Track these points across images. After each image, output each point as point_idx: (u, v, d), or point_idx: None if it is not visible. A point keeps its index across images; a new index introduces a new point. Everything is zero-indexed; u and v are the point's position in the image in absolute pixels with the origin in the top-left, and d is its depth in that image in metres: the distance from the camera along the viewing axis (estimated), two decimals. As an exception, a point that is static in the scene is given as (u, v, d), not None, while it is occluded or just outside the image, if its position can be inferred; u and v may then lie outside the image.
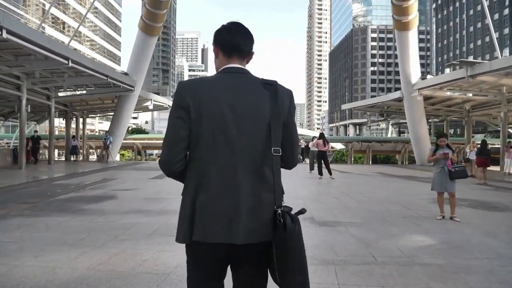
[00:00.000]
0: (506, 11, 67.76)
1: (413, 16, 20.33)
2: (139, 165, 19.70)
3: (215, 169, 1.49)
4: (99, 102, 23.62)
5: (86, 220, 5.84)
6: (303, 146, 24.66)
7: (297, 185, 10.98)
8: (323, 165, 13.27)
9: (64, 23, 60.30)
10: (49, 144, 19.43)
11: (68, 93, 21.94)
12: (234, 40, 1.61)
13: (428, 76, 22.77)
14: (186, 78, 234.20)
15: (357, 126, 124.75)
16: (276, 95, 1.54)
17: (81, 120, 27.41)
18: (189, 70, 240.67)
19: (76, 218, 5.99)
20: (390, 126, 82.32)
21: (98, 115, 30.85)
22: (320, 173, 13.16)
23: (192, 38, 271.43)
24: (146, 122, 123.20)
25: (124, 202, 7.67)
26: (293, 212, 1.52)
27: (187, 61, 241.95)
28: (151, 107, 24.11)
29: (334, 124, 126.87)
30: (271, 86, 1.55)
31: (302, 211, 1.54)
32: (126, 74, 20.29)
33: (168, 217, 6.10)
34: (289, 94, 1.61)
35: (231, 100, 1.49)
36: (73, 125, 24.90)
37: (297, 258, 1.46)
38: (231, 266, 1.61)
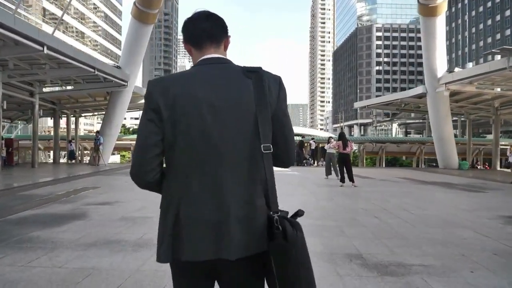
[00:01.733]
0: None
1: (442, -1, 18.06)
2: (133, 169, 17.67)
3: (196, 176, 1.28)
4: (90, 100, 21.56)
5: (18, 263, 3.80)
6: (313, 147, 22.62)
7: (318, 196, 8.90)
8: (344, 170, 11.19)
9: (64, 22, 58.53)
10: (33, 145, 17.41)
11: (57, 89, 19.87)
12: (198, 27, 1.39)
13: (456, 69, 20.60)
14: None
15: (362, 127, 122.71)
16: (261, 83, 1.31)
17: (73, 119, 25.48)
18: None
19: (7, 258, 3.95)
20: (396, 127, 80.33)
21: (91, 114, 28.73)
22: (342, 179, 11.09)
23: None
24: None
25: (91, 225, 5.62)
26: (289, 215, 1.31)
27: (189, 61, 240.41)
28: (147, 104, 22.02)
29: (338, 125, 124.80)
30: (255, 74, 1.32)
31: (300, 213, 1.32)
32: (118, 67, 18.26)
33: (147, 254, 4.08)
34: (276, 80, 1.37)
35: (209, 95, 1.28)
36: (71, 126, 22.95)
37: (302, 271, 1.23)
38: (219, 282, 1.38)
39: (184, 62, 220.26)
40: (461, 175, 16.66)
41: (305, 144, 22.30)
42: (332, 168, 13.54)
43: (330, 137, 14.42)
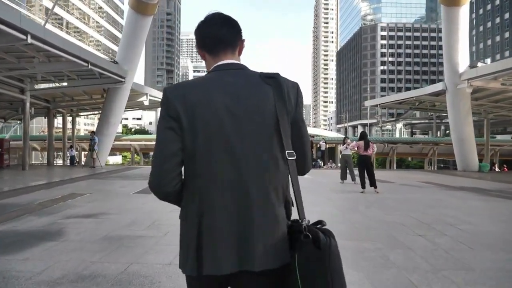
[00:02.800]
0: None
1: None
2: (131, 172, 16.43)
3: (217, 185, 1.24)
4: (87, 98, 20.33)
5: None
6: (323, 148, 21.36)
7: (339, 206, 7.63)
8: (365, 175, 9.94)
9: (69, 23, 57.67)
10: (24, 146, 16.22)
11: (51, 85, 18.65)
12: (213, 35, 1.36)
13: (479, 64, 19.23)
14: (191, 78, 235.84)
15: (366, 127, 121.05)
16: (280, 90, 1.29)
17: (70, 119, 24.31)
18: (194, 71, 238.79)
19: None
20: (401, 127, 78.79)
21: (89, 113, 27.49)
22: (363, 185, 9.83)
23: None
24: (150, 123, 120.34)
25: (64, 249, 4.39)
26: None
27: (192, 61, 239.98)
28: (146, 103, 20.72)
29: (342, 125, 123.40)
30: (274, 80, 1.30)
31: (323, 224, 1.25)
32: (115, 62, 17.05)
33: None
34: (295, 86, 1.35)
35: (229, 102, 1.25)
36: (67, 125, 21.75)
37: (336, 281, 1.14)
38: None
39: (186, 62, 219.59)
40: (483, 178, 15.36)
41: (314, 145, 21.04)
42: (348, 172, 12.30)
43: (345, 137, 13.15)
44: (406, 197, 9.21)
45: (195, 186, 1.27)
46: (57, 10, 54.25)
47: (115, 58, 18.62)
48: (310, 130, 59.39)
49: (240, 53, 1.41)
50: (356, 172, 12.47)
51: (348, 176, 12.29)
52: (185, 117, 1.24)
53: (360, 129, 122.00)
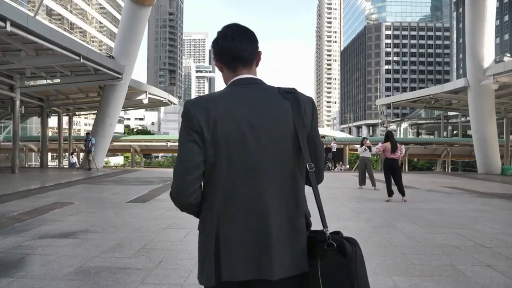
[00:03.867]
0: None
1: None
2: (128, 175, 15.22)
3: (236, 196, 1.28)
4: (82, 96, 19.16)
5: None
6: (335, 150, 20.11)
7: (367, 219, 6.38)
8: (391, 181, 8.70)
9: (72, 23, 56.72)
10: (13, 147, 15.06)
11: (43, 82, 17.49)
12: (232, 49, 1.37)
13: (505, 58, 17.86)
14: (193, 79, 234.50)
15: (371, 127, 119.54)
16: (298, 105, 1.34)
17: (66, 119, 23.16)
18: (197, 71, 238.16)
19: None
20: (407, 127, 77.30)
21: (87, 112, 26.29)
22: (390, 193, 8.58)
23: (199, 39, 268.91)
24: (153, 123, 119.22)
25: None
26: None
27: (194, 62, 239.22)
28: (146, 101, 19.52)
29: (346, 125, 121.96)
30: (291, 95, 1.35)
31: (340, 233, 1.28)
32: (111, 57, 15.86)
33: None
34: (310, 102, 1.40)
35: (250, 116, 1.29)
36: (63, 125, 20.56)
37: None
38: None
39: (189, 62, 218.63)
40: (510, 182, 14.09)
41: (325, 146, 19.78)
42: (367, 176, 11.07)
43: (364, 138, 11.92)
44: (441, 208, 7.96)
45: (214, 197, 1.29)
46: (58, 9, 53.38)
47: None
48: (321, 131, 57.74)
49: (257, 65, 1.44)
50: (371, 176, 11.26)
51: (368, 181, 11.06)
52: (207, 130, 1.27)
53: (364, 130, 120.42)
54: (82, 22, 61.78)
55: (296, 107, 1.32)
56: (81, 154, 28.65)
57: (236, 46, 1.36)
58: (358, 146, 32.68)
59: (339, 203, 8.19)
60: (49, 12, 51.97)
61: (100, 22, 69.48)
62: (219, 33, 1.40)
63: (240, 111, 1.28)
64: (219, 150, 1.26)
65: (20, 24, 8.93)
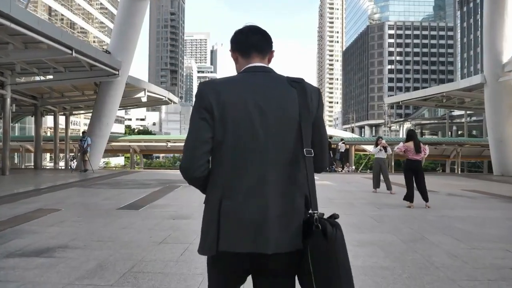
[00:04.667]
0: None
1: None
2: (124, 177, 14.36)
3: (241, 174, 1.37)
4: (78, 94, 18.30)
5: None
6: (343, 150, 19.23)
7: (395, 230, 5.49)
8: (413, 185, 7.82)
9: (71, 22, 56.03)
10: (4, 148, 14.24)
11: (37, 79, 16.64)
12: (248, 39, 1.52)
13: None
14: (195, 79, 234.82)
15: (373, 127, 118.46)
16: (305, 93, 1.42)
17: (62, 118, 22.35)
18: (198, 72, 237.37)
19: None
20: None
21: (85, 111, 25.41)
22: (410, 197, 7.71)
23: (201, 40, 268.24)
24: (154, 124, 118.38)
25: None
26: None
27: (196, 62, 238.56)
28: (144, 99, 18.65)
29: (348, 126, 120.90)
30: (299, 84, 1.44)
31: (336, 216, 1.34)
32: (107, 52, 15.02)
33: None
34: (317, 91, 1.48)
35: (257, 100, 1.38)
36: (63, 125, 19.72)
37: (342, 271, 1.25)
38: (253, 276, 1.44)
39: (190, 62, 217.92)
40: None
41: (332, 146, 18.89)
42: (382, 178, 10.20)
43: (379, 137, 11.02)
44: (470, 215, 7.08)
45: (220, 172, 1.38)
46: (58, 9, 52.80)
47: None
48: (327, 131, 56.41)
49: (269, 62, 1.55)
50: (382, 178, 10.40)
51: (382, 183, 10.19)
52: (217, 109, 1.35)
53: (367, 130, 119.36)
54: (84, 22, 61.15)
55: (303, 95, 1.40)
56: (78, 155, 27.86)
57: (252, 36, 1.51)
58: (365, 146, 31.80)
59: (357, 210, 7.31)
60: (50, 12, 51.43)
61: (102, 22, 68.81)
62: (237, 30, 1.53)
63: (249, 96, 1.37)
64: (226, 130, 1.35)
65: (2, 11, 8.09)
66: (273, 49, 1.55)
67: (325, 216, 1.32)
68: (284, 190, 1.35)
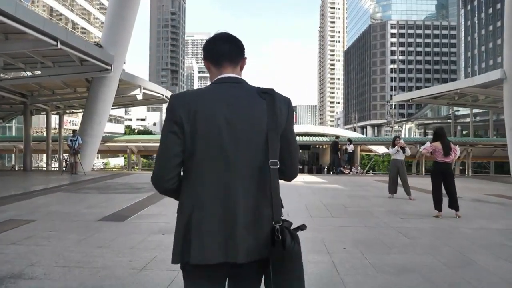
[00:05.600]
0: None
1: None
2: (116, 181, 13.35)
3: (209, 184, 1.40)
4: (70, 91, 17.28)
5: None
6: (351, 151, 18.21)
7: (431, 249, 4.47)
8: (442, 191, 6.80)
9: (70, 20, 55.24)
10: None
11: (23, 74, 15.65)
12: (218, 48, 1.53)
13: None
14: (196, 79, 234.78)
15: (376, 127, 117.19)
16: (273, 105, 1.44)
17: (56, 117, 21.36)
18: (199, 72, 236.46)
19: None
20: (413, 127, 75.15)
21: (79, 110, 24.37)
22: (439, 206, 6.68)
23: (202, 40, 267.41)
24: (154, 124, 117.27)
25: None
26: (292, 227, 1.41)
27: (196, 62, 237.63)
28: (140, 97, 17.64)
29: (350, 126, 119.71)
30: (268, 95, 1.46)
31: (302, 228, 1.43)
32: (99, 46, 14.03)
33: None
34: (286, 101, 1.51)
35: (227, 112, 1.40)
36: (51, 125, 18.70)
37: (295, 282, 1.34)
38: (229, 281, 1.49)
39: (191, 62, 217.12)
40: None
41: (340, 147, 17.87)
42: (400, 182, 9.18)
43: (396, 137, 9.98)
44: (509, 223, 6.07)
45: (190, 184, 1.41)
46: (59, 8, 52.07)
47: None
48: (332, 130, 55.53)
49: (241, 69, 1.55)
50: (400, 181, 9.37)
51: (400, 188, 9.17)
52: (187, 122, 1.38)
53: (369, 130, 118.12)
54: (85, 21, 60.41)
55: (271, 107, 1.42)
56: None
57: (222, 45, 1.51)
58: (371, 146, 30.74)
59: (378, 221, 6.29)
60: (51, 11, 50.75)
61: (102, 22, 67.99)
62: (209, 38, 1.55)
63: (218, 108, 1.39)
64: (196, 142, 1.38)
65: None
66: (245, 56, 1.56)
67: (293, 226, 1.40)
68: (252, 200, 1.38)
